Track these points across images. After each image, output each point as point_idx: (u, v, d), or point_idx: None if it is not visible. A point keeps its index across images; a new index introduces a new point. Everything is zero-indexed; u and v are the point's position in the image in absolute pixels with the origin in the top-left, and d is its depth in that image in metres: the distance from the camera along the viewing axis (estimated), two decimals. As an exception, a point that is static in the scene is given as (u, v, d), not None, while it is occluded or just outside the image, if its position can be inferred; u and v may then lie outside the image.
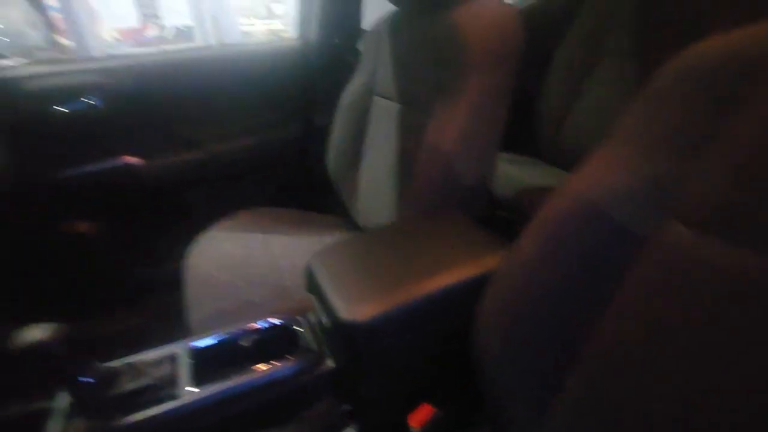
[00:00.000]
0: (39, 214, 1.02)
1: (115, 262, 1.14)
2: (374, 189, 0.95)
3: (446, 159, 0.71)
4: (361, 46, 1.07)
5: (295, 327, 0.55)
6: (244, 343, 0.52)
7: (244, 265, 0.87)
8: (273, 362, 0.49)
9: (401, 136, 0.86)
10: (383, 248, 0.61)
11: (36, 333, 0.39)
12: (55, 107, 0.97)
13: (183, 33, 3.75)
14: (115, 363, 0.48)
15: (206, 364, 0.49)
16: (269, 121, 1.24)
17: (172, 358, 0.50)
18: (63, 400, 0.44)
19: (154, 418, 0.43)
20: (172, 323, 0.89)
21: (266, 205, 1.12)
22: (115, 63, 1.04)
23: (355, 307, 0.47)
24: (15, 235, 0.97)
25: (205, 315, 0.77)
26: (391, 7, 0.91)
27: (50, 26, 0.87)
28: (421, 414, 0.56)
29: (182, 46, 3.59)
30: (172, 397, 0.45)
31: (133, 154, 1.07)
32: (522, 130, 1.02)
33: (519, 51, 0.69)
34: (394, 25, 0.90)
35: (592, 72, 0.94)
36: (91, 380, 0.43)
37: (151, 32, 3.63)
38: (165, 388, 0.46)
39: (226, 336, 0.53)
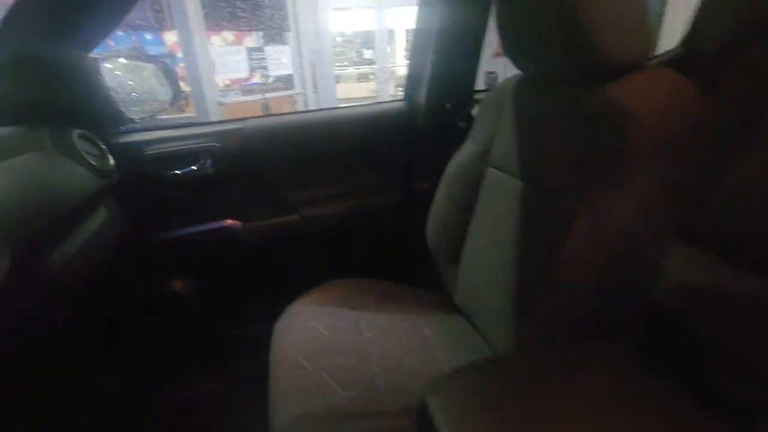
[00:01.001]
0: (140, 271, 1.04)
1: (206, 322, 1.13)
2: (482, 271, 0.84)
3: (597, 263, 0.56)
4: (475, 111, 0.98)
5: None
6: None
7: (332, 353, 0.79)
8: None
9: (526, 220, 0.73)
10: (524, 391, 0.47)
11: None
12: (171, 172, 1.01)
13: (281, 79, 4.06)
14: None
15: None
16: (368, 186, 1.19)
17: None
18: None
19: None
20: (255, 388, 0.84)
21: (359, 274, 1.05)
22: (225, 127, 1.06)
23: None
24: (117, 289, 1.00)
25: (290, 417, 0.68)
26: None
27: (175, 76, 0.96)
28: None
29: (280, 93, 3.88)
30: None
31: (232, 217, 1.07)
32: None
33: (700, 135, 0.53)
34: (521, 93, 0.79)
35: (747, 141, 0.74)
36: None
37: (255, 80, 3.97)
38: None
39: None
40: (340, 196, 1.17)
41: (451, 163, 0.95)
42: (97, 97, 0.92)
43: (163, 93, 1.10)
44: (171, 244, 1.06)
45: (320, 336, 0.84)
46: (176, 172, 1.02)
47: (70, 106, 0.89)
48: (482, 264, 0.84)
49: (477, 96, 1.14)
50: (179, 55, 3.49)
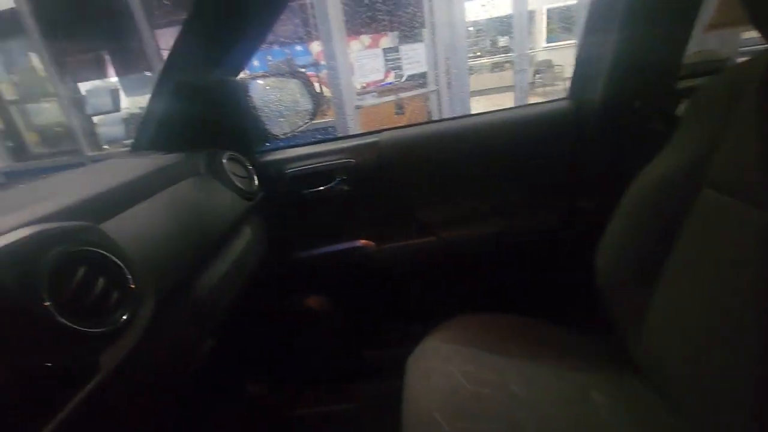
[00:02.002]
0: (276, 288, 1.05)
1: (337, 341, 1.10)
2: (691, 331, 0.60)
3: None
4: (681, 110, 0.70)
5: None
6: None
7: (475, 414, 0.65)
8: None
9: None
10: None
11: None
12: (308, 190, 0.99)
13: (414, 78, 4.01)
14: None
15: None
16: (519, 204, 1.00)
17: None
18: None
19: None
20: (385, 415, 0.77)
21: (501, 307, 0.88)
22: (361, 141, 1.00)
23: None
24: (254, 305, 1.02)
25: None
26: None
27: (314, 88, 0.97)
28: None
29: (414, 92, 3.83)
30: None
31: (366, 236, 1.01)
32: None
33: None
34: None
35: None
36: None
37: (389, 80, 4.00)
38: None
39: None
40: (485, 216, 1.01)
41: (640, 178, 0.71)
42: (246, 117, 0.95)
43: (305, 105, 1.10)
44: (305, 263, 1.05)
45: (460, 387, 0.71)
46: (313, 190, 1.00)
47: (221, 129, 0.92)
48: (691, 321, 0.60)
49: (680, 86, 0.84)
50: (323, 62, 3.73)
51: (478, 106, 5.71)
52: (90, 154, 3.53)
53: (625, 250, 0.73)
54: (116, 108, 3.56)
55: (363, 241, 1.02)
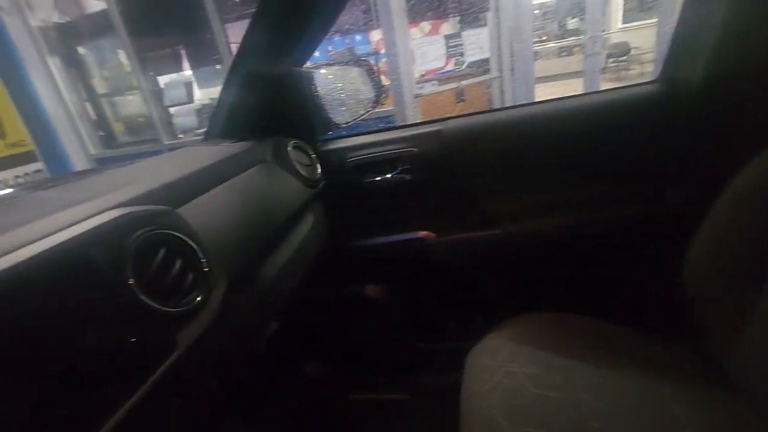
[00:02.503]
0: (335, 276, 1.06)
1: (394, 331, 1.10)
2: None
3: None
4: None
5: None
6: None
7: (539, 417, 0.62)
8: None
9: None
10: None
11: None
12: (369, 179, 0.98)
13: (476, 64, 3.86)
14: None
15: None
16: (595, 195, 0.92)
17: None
18: None
19: None
20: (440, 409, 0.75)
21: (569, 307, 0.82)
22: (423, 129, 0.97)
23: None
24: (314, 291, 1.04)
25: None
26: None
27: (377, 75, 0.96)
28: None
29: (476, 79, 3.70)
30: None
31: (426, 227, 0.98)
32: None
33: None
34: None
35: None
36: None
37: (449, 67, 3.89)
38: None
39: None
40: (556, 209, 0.94)
41: (740, 177, 0.62)
42: (310, 106, 0.96)
43: (367, 93, 1.09)
44: (364, 251, 1.05)
45: (523, 389, 0.67)
46: (373, 179, 0.99)
47: (286, 118, 0.94)
48: None
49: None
50: (382, 51, 3.71)
51: (543, 93, 5.41)
52: (166, 142, 3.82)
53: (721, 256, 0.64)
54: (190, 99, 3.81)
55: (423, 233, 0.99)
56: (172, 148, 3.69)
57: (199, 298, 0.46)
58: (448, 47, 3.63)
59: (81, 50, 3.98)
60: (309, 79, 0.95)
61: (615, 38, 8.71)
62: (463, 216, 0.99)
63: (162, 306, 0.42)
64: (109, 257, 0.40)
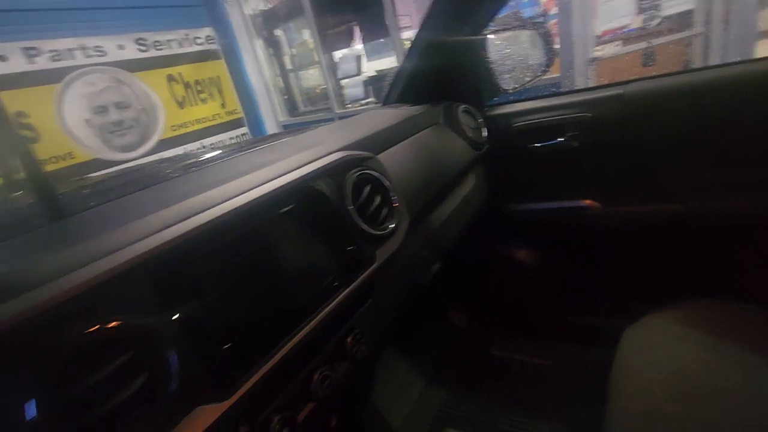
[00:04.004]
0: (490, 236, 1.11)
1: (541, 298, 1.11)
2: None
3: None
4: None
5: None
6: None
7: (703, 403, 0.58)
8: None
9: None
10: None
11: None
12: (534, 144, 0.99)
13: (670, 19, 3.20)
14: None
15: None
16: None
17: None
18: None
19: None
20: (584, 381, 0.76)
21: (749, 297, 0.71)
22: (601, 93, 0.91)
23: None
24: (466, 254, 1.11)
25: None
26: None
27: (550, 38, 0.91)
28: None
29: (670, 37, 3.10)
30: None
31: (592, 197, 0.95)
32: None
33: None
34: None
35: None
36: None
37: (634, 25, 3.33)
38: None
39: None
40: (750, 187, 0.80)
41: None
42: (481, 72, 1.00)
43: (537, 58, 1.07)
44: (522, 215, 1.07)
45: (690, 372, 0.63)
46: (539, 144, 0.99)
47: (458, 84, 1.00)
48: None
49: None
50: (552, 11, 3.40)
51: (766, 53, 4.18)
52: (338, 111, 4.31)
53: None
54: (359, 72, 4.19)
55: (587, 201, 0.96)
56: (342, 116, 4.15)
57: (392, 226, 0.58)
58: (641, 0, 3.10)
59: (277, 32, 4.72)
60: (482, 46, 0.99)
61: None
62: (636, 187, 0.92)
63: (368, 228, 0.55)
64: (336, 188, 0.54)
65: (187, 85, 4.05)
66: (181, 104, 4.02)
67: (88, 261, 0.33)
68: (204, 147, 4.11)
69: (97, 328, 0.31)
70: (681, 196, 0.87)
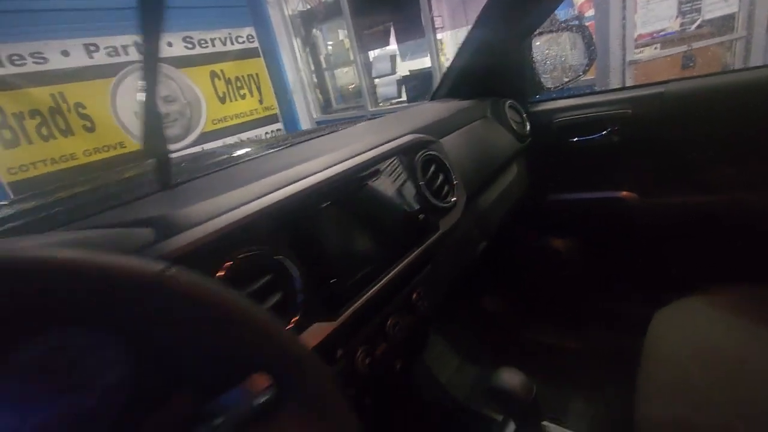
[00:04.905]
0: (528, 224, 1.18)
1: (576, 286, 1.17)
2: None
3: None
4: None
5: None
6: None
7: (735, 382, 0.62)
8: None
9: None
10: None
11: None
12: (574, 139, 1.05)
13: (711, 23, 3.15)
14: None
15: None
16: None
17: None
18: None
19: None
20: (608, 367, 0.81)
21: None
22: (643, 92, 0.97)
23: None
24: (505, 241, 1.18)
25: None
26: None
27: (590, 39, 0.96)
28: None
29: (711, 40, 3.06)
30: None
31: (630, 189, 1.01)
32: None
33: None
34: None
35: None
36: None
37: (673, 28, 3.29)
38: None
39: None
40: None
41: None
42: (525, 71, 1.08)
43: (577, 59, 1.14)
44: (559, 206, 1.13)
45: (726, 352, 0.66)
46: (579, 138, 1.05)
47: (505, 81, 1.08)
48: None
49: None
50: (588, 14, 3.40)
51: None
52: (371, 109, 4.42)
53: None
54: (393, 71, 4.29)
55: (624, 192, 1.02)
56: (374, 115, 4.26)
57: (453, 200, 0.68)
58: (681, 3, 3.07)
59: (315, 32, 4.88)
60: (529, 46, 1.06)
61: None
62: (673, 181, 0.97)
63: (435, 200, 0.64)
64: (407, 165, 0.64)
65: (228, 82, 4.25)
66: (222, 99, 4.22)
67: (232, 208, 0.43)
68: (241, 141, 4.30)
69: (252, 254, 0.41)
70: (717, 191, 0.92)
